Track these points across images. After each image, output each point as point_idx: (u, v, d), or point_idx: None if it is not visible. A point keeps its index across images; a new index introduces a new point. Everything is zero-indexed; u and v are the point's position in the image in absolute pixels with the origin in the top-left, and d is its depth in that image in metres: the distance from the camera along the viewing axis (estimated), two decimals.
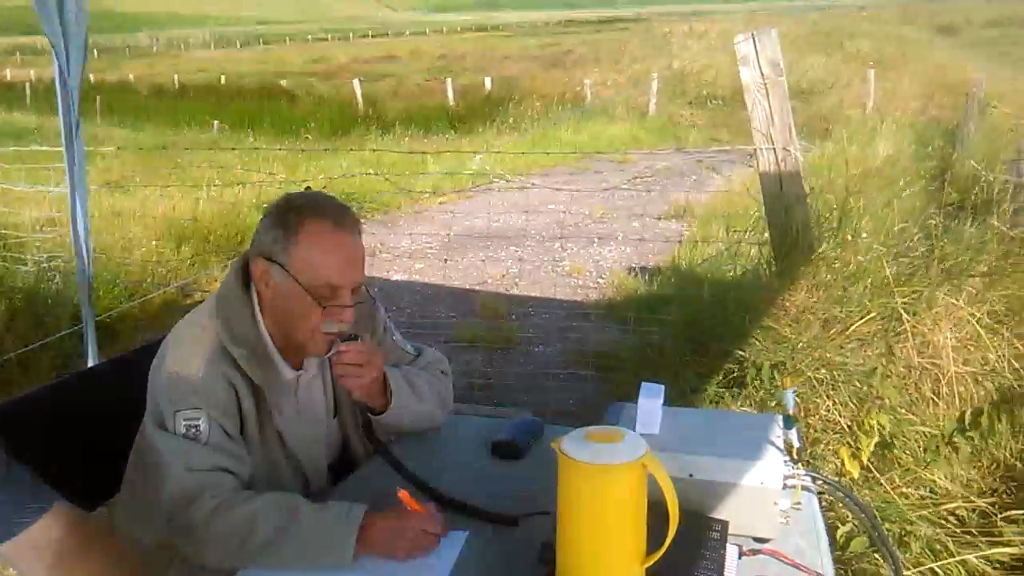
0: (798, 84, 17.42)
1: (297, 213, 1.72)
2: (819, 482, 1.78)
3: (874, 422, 2.77)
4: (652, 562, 1.29)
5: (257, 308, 1.77)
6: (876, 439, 2.80)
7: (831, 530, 2.67)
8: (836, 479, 1.71)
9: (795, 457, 1.59)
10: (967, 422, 3.14)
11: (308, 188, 1.99)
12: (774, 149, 4.04)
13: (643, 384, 1.74)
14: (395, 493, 1.59)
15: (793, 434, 1.60)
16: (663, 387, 1.73)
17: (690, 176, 11.79)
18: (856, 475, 2.79)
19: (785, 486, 1.61)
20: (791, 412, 1.66)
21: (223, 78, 28.49)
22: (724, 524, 1.56)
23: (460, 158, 11.91)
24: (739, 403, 3.54)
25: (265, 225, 1.76)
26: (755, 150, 4.12)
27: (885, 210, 6.41)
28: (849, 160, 9.50)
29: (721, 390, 3.69)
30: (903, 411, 3.59)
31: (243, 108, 20.87)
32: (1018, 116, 9.12)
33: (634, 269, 6.67)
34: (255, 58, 43.92)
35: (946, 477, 3.34)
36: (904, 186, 7.28)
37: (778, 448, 1.62)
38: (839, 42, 24.95)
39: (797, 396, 3.42)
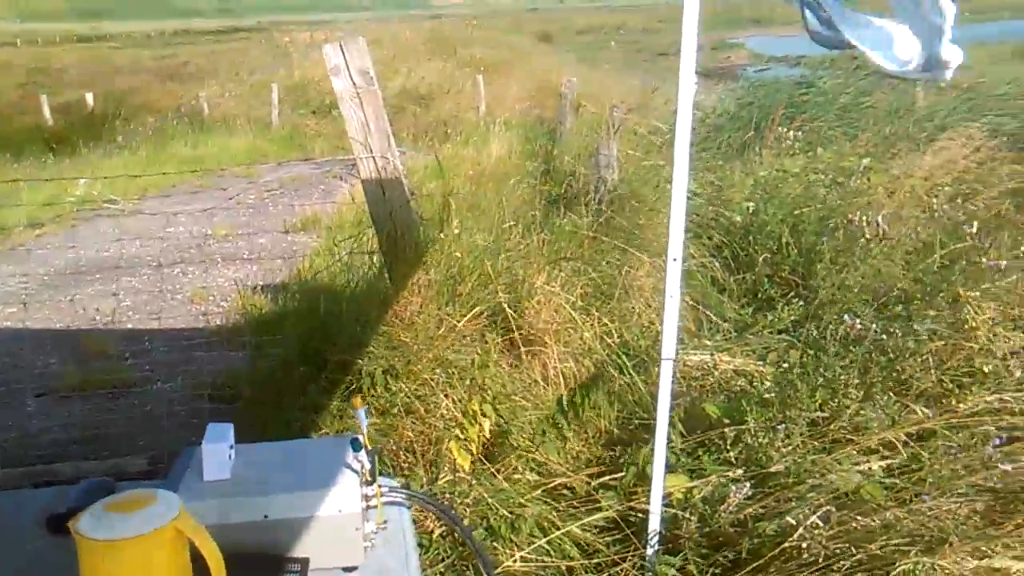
0: (417, 89, 18.08)
1: None
2: (410, 496, 1.77)
3: (477, 411, 2.86)
4: None
5: None
6: (487, 428, 2.90)
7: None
8: (423, 490, 1.71)
9: (369, 478, 1.56)
10: (565, 401, 3.38)
11: None
12: (373, 157, 4.06)
13: (209, 426, 1.61)
14: None
15: (363, 456, 1.56)
16: (231, 426, 1.61)
17: (318, 186, 11.68)
18: (468, 467, 2.88)
19: (368, 507, 1.57)
20: (364, 431, 1.63)
21: None
22: (304, 561, 1.48)
23: (61, 184, 10.71)
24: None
25: None
26: (356, 159, 4.12)
27: (497, 208, 6.82)
28: (465, 161, 10.05)
29: (344, 403, 3.64)
30: (517, 398, 3.79)
31: None
32: (601, 113, 10.15)
33: (259, 288, 6.42)
34: None
35: (559, 454, 3.59)
36: (513, 184, 7.77)
37: (355, 471, 1.57)
38: (454, 49, 26.28)
39: (370, 411, 3.46)
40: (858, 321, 3.10)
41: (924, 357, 3.03)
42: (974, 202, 4.67)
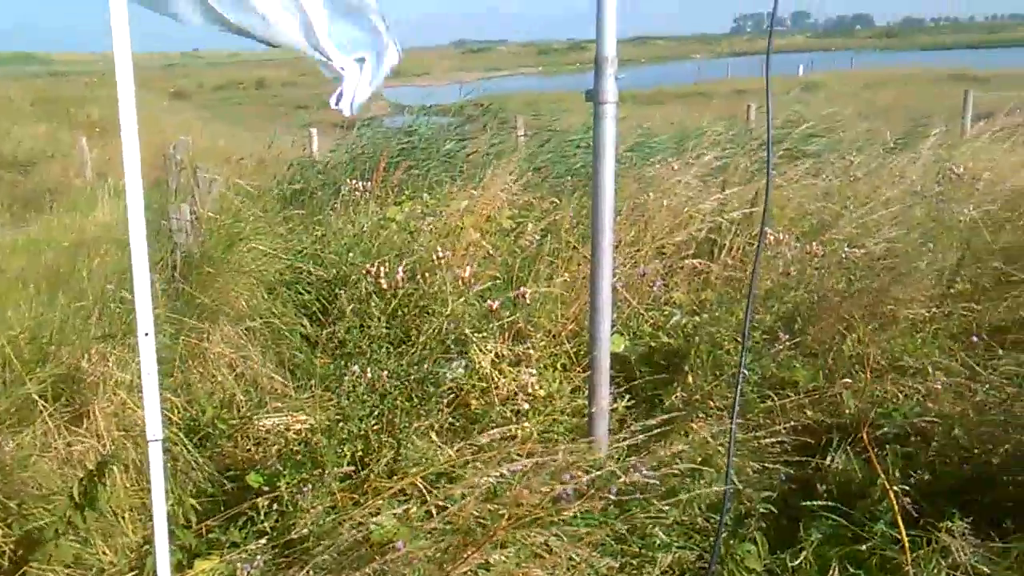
0: (14, 155, 16.30)
1: None
2: None
3: None
4: None
5: None
6: None
7: None
8: None
9: None
10: (81, 495, 3.07)
11: None
12: None
13: None
14: None
15: None
16: None
17: None
18: None
19: None
20: None
21: None
22: None
23: None
24: None
25: None
26: None
27: (92, 280, 6.21)
28: (66, 230, 9.17)
29: None
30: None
31: None
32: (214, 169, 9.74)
33: None
34: None
35: (113, 551, 3.28)
36: (105, 253, 7.17)
37: None
38: (66, 110, 24.12)
39: None
40: (357, 368, 3.15)
41: (448, 397, 3.16)
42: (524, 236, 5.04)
